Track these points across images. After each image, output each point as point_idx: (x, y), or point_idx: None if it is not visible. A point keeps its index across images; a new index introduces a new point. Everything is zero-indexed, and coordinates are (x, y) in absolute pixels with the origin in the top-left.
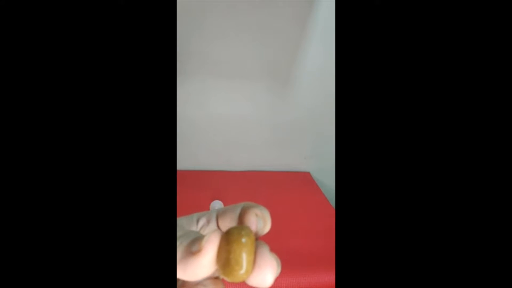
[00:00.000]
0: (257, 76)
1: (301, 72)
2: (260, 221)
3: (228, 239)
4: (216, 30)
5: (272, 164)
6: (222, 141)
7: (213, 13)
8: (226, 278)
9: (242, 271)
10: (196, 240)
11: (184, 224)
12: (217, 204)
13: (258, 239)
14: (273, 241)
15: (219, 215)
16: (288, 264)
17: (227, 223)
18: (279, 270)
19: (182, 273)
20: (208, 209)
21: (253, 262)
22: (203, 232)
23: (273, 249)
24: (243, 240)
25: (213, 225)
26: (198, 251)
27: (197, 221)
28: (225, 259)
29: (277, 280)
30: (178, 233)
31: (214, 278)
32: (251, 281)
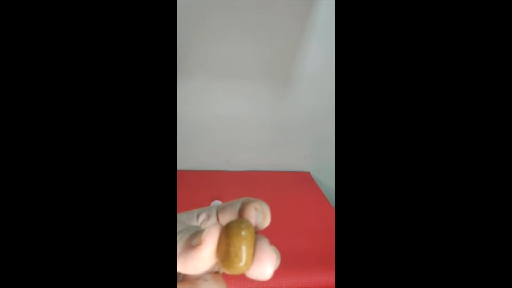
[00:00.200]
0: (257, 76)
1: (301, 72)
2: (259, 215)
3: (227, 232)
4: (216, 30)
5: (272, 164)
6: (222, 141)
7: (213, 13)
8: (226, 271)
9: (242, 263)
10: (196, 234)
11: (185, 220)
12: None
13: (258, 233)
14: (273, 240)
15: (219, 210)
16: (288, 264)
17: (227, 217)
18: (278, 263)
19: (183, 266)
20: None
21: (253, 255)
22: (203, 227)
23: None
24: (243, 233)
25: (213, 220)
26: (198, 244)
27: (197, 217)
28: (225, 252)
29: (277, 280)
30: (178, 228)
31: (215, 273)
32: (250, 273)
